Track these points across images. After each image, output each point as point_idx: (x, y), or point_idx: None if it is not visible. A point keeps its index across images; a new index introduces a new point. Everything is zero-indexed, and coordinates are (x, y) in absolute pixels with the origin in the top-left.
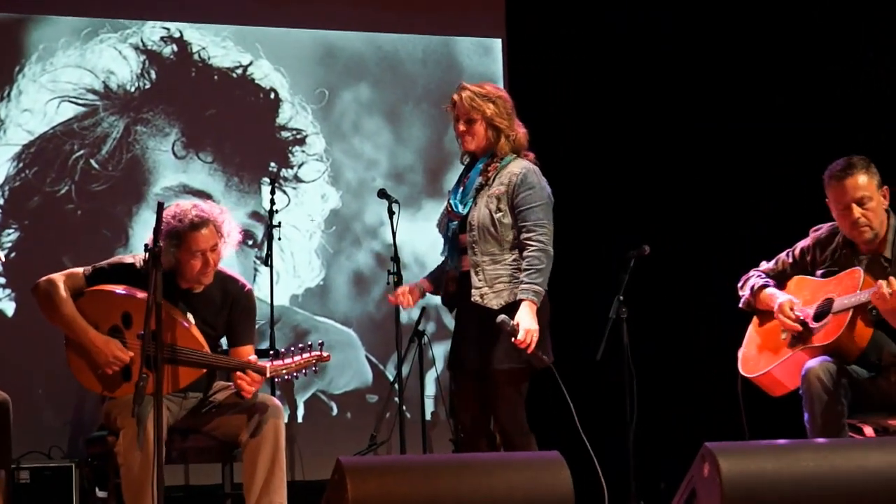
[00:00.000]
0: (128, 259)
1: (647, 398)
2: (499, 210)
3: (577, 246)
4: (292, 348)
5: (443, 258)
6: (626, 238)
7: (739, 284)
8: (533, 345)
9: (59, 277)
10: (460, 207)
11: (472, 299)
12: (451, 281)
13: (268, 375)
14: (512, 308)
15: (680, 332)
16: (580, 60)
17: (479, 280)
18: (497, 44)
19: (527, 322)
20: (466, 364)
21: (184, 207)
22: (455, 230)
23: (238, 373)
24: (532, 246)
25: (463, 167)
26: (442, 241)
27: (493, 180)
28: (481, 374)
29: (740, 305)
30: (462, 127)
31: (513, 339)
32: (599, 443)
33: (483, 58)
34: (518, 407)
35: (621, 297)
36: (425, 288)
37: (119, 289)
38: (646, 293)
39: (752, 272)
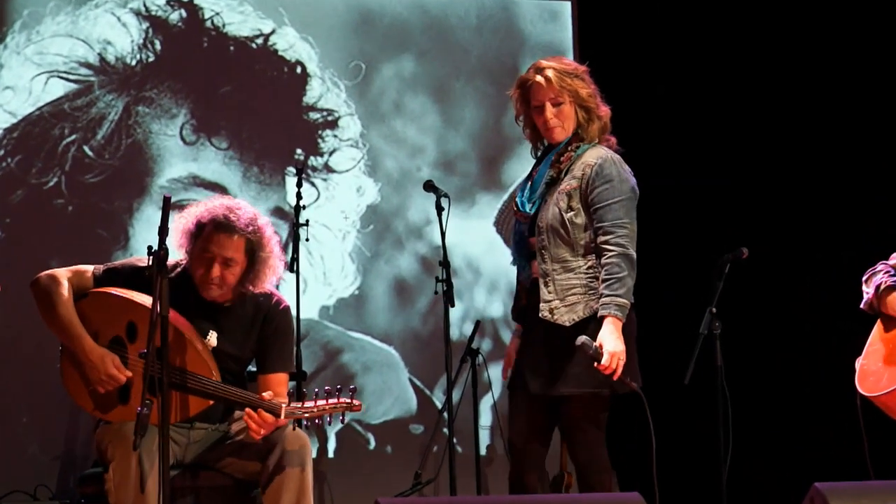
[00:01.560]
0: (145, 262)
1: (745, 428)
2: (570, 209)
3: (659, 248)
4: (316, 390)
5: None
6: (718, 238)
7: (864, 278)
8: (619, 370)
9: (63, 273)
10: (528, 207)
11: (541, 314)
12: (522, 292)
13: (281, 418)
14: (587, 324)
15: (784, 349)
16: (664, 28)
17: (549, 292)
18: (566, 7)
19: (611, 343)
20: (530, 387)
21: (230, 205)
22: (523, 233)
23: (248, 409)
24: (611, 251)
25: (535, 159)
26: (511, 247)
27: (565, 173)
28: (547, 400)
29: (862, 306)
30: (550, 113)
31: (595, 363)
32: (688, 481)
33: (549, 24)
34: (598, 439)
35: (714, 310)
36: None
37: (126, 293)
38: (743, 304)
39: (878, 266)
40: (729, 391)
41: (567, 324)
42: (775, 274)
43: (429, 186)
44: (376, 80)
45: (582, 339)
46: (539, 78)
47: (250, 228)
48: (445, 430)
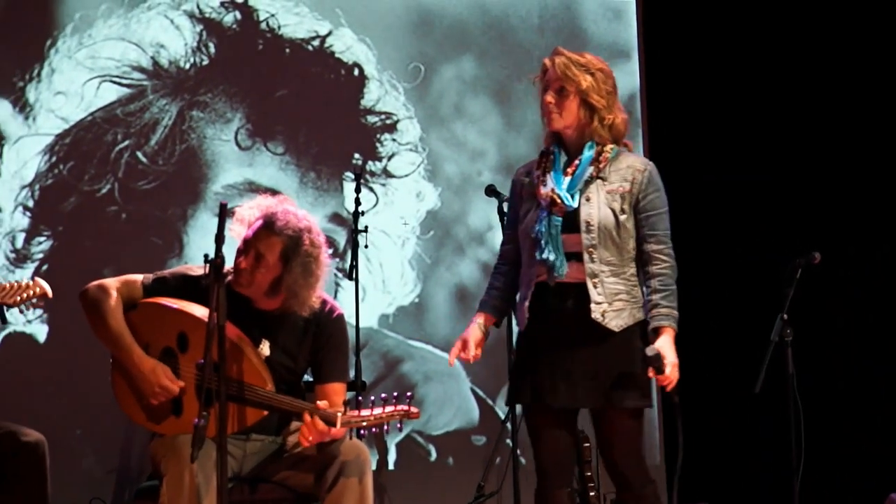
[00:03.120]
0: (195, 270)
1: (817, 438)
2: (623, 212)
3: (730, 252)
4: (372, 398)
5: (502, 268)
6: (790, 242)
7: None
8: (675, 382)
9: (112, 284)
10: (569, 199)
11: (593, 315)
12: (545, 292)
13: (338, 427)
14: (631, 332)
15: (857, 356)
16: (734, 27)
17: (599, 294)
18: (630, 6)
19: (672, 355)
20: (569, 398)
21: (287, 209)
22: (559, 228)
23: (306, 413)
24: (664, 262)
25: (548, 151)
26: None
27: (609, 173)
28: (575, 412)
29: None
30: (550, 98)
31: (655, 374)
32: (761, 490)
33: (612, 23)
34: (642, 451)
35: (785, 316)
36: (486, 326)
37: (176, 304)
38: (815, 311)
39: None
40: (800, 398)
41: (616, 329)
42: (850, 279)
43: (490, 191)
44: (436, 82)
45: (653, 349)
46: (547, 61)
47: (291, 233)
48: (509, 441)
